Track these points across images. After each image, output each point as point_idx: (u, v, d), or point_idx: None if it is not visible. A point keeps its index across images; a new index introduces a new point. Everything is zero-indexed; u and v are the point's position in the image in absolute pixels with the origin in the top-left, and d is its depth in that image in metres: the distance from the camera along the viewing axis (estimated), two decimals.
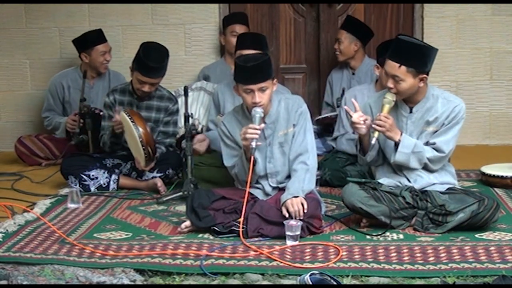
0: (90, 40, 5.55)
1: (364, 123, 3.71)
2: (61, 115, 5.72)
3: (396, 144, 3.73)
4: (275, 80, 3.82)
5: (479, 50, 5.92)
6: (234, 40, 5.68)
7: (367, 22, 5.95)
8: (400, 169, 3.84)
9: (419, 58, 3.66)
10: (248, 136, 3.65)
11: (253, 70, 3.69)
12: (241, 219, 3.63)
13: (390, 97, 3.71)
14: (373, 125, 3.69)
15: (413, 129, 3.80)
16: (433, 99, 3.79)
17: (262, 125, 3.72)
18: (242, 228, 3.66)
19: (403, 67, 3.64)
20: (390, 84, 3.69)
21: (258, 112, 3.70)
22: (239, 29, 5.69)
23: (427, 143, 3.78)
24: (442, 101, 3.79)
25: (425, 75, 3.69)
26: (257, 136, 3.66)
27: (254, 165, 3.72)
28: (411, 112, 3.81)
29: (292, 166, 3.85)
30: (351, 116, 3.74)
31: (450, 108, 3.77)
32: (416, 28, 5.96)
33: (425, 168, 3.81)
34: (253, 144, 3.66)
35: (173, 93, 5.03)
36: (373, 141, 3.71)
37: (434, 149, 3.77)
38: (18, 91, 6.22)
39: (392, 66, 3.67)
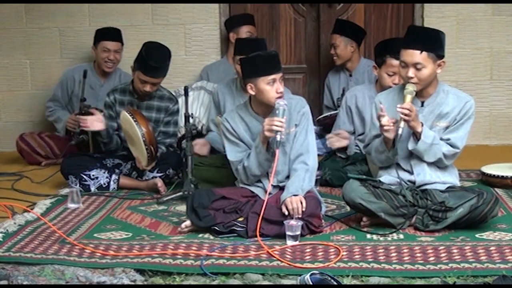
0: (99, 35, 5.59)
1: (393, 126, 3.69)
2: (64, 108, 5.72)
3: (415, 134, 3.73)
4: None
5: (479, 50, 5.92)
6: None
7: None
8: (408, 159, 3.82)
9: (437, 42, 3.70)
10: (274, 128, 3.66)
11: (276, 59, 3.77)
12: (261, 213, 3.60)
13: (411, 88, 3.70)
14: (400, 115, 3.66)
15: (424, 123, 3.79)
16: (443, 94, 3.81)
17: (285, 117, 3.73)
18: (243, 228, 3.67)
19: (424, 53, 3.66)
20: (411, 73, 3.68)
21: (282, 105, 3.71)
22: (252, 30, 5.74)
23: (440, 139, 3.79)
24: (452, 96, 3.81)
25: (443, 60, 3.73)
26: (283, 129, 3.67)
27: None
28: (422, 105, 3.81)
29: (293, 165, 3.85)
30: (380, 120, 3.71)
31: (462, 103, 3.79)
32: None
33: (437, 163, 3.79)
34: (278, 137, 3.66)
35: (173, 93, 5.03)
36: (400, 131, 3.67)
37: (447, 143, 3.78)
38: (18, 91, 6.22)
39: (413, 54, 3.67)
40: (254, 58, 3.79)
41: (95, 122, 4.68)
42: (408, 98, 3.70)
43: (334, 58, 5.60)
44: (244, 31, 5.73)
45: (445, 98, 3.80)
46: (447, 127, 3.80)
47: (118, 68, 5.77)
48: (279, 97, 3.73)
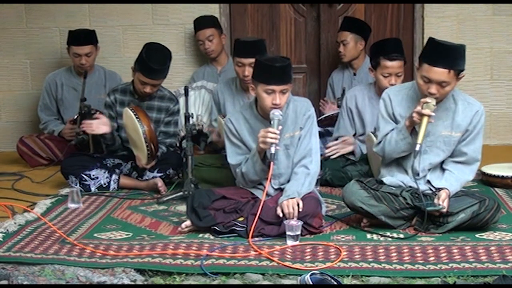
0: (69, 39, 5.57)
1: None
2: (57, 118, 5.72)
3: None
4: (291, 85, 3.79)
5: (480, 50, 5.92)
6: (200, 47, 5.71)
7: (367, 22, 5.95)
8: (409, 166, 3.80)
9: (463, 58, 3.62)
10: (268, 140, 3.62)
11: (280, 71, 3.65)
12: (256, 218, 3.61)
13: (432, 103, 3.58)
14: (414, 118, 3.60)
15: (434, 130, 3.74)
16: (452, 100, 3.74)
17: (280, 127, 3.69)
18: (243, 228, 3.67)
19: (452, 71, 3.57)
20: (434, 90, 3.59)
21: (277, 115, 3.66)
22: (214, 33, 5.69)
23: (454, 149, 3.76)
24: (462, 103, 3.74)
25: (463, 74, 3.66)
26: (277, 141, 3.64)
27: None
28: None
29: (294, 169, 3.83)
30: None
31: (472, 113, 3.72)
32: (416, 28, 5.97)
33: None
34: (272, 149, 3.63)
35: (173, 93, 5.03)
36: (418, 148, 3.61)
37: (465, 159, 3.76)
38: (18, 91, 6.22)
39: (441, 72, 3.55)
40: (262, 62, 3.71)
41: (101, 126, 4.68)
42: (427, 111, 3.60)
43: (341, 55, 5.52)
44: (206, 35, 5.69)
45: (455, 105, 3.73)
46: (460, 137, 3.74)
47: (100, 66, 5.75)
48: (276, 108, 3.68)
